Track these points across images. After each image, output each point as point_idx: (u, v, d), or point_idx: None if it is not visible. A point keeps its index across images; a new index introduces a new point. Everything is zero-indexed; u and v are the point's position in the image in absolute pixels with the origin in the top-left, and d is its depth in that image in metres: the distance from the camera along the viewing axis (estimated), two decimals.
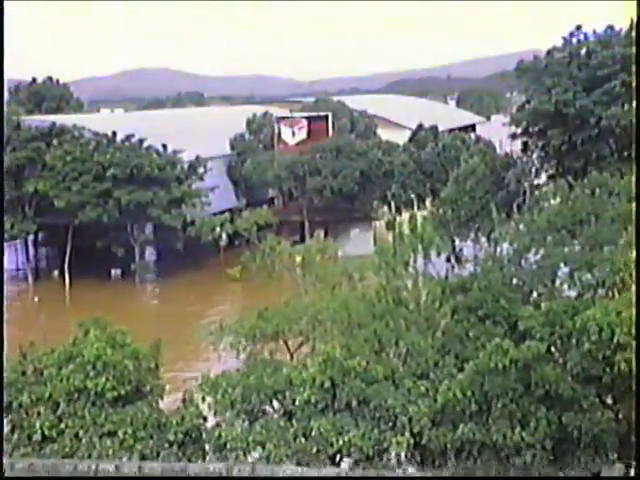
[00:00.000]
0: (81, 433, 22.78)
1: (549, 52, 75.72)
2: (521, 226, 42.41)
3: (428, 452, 22.56)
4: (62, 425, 22.97)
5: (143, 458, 21.82)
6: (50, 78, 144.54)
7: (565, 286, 33.34)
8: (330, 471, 18.51)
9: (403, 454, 22.61)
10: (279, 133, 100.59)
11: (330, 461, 22.01)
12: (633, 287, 22.37)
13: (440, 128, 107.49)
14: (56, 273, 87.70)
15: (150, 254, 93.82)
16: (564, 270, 34.17)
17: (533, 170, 74.21)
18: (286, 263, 54.36)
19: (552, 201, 54.09)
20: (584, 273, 32.83)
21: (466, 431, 21.79)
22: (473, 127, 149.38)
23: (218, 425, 23.58)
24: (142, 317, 71.19)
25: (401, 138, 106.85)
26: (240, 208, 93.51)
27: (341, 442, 21.96)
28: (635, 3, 17.00)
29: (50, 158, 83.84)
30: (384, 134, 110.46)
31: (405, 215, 76.83)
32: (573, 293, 32.14)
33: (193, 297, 76.72)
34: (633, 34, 72.04)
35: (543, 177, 75.55)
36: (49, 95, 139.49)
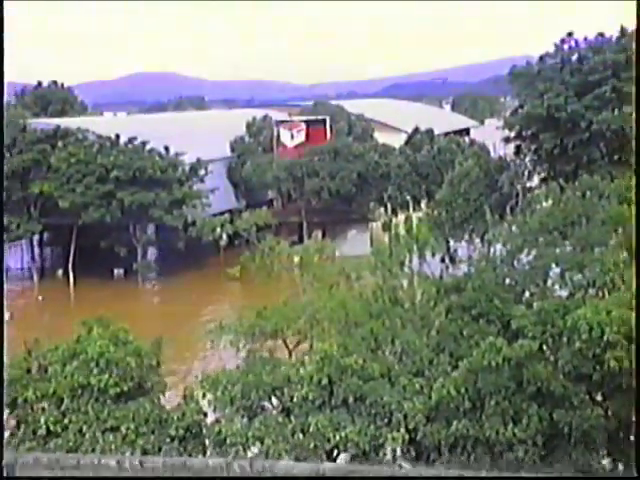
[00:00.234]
0: (84, 428, 22.80)
1: (541, 58, 75.90)
2: (514, 227, 42.45)
3: (423, 447, 22.58)
4: (66, 420, 22.99)
5: (145, 453, 21.84)
6: (55, 82, 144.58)
7: (556, 286, 33.36)
8: (328, 466, 18.52)
9: (398, 449, 22.62)
10: (278, 136, 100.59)
11: (327, 456, 22.03)
12: (633, 287, 22.32)
13: (435, 132, 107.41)
14: (60, 272, 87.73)
15: (152, 254, 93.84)
16: (555, 270, 34.18)
17: (526, 173, 74.34)
18: (285, 263, 54.46)
19: (544, 203, 54.12)
20: (575, 273, 32.85)
21: (460, 427, 21.81)
22: (467, 131, 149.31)
23: (218, 421, 23.58)
24: (144, 315, 71.14)
25: (397, 141, 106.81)
26: (240, 209, 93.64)
27: (338, 438, 21.97)
28: (635, 3, 16.75)
29: (55, 160, 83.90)
30: (381, 137, 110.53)
31: (401, 216, 76.91)
32: (564, 293, 32.15)
33: (194, 296, 76.73)
34: (623, 41, 72.20)
35: (535, 180, 75.63)
36: (54, 99, 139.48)
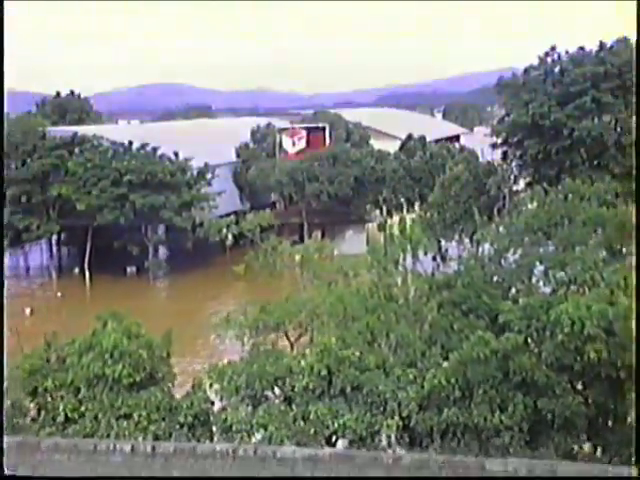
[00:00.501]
0: (100, 415, 22.83)
1: (526, 70, 75.95)
2: (501, 228, 42.48)
3: (416, 434, 22.59)
4: (83, 408, 23.03)
5: (156, 438, 21.86)
6: (72, 92, 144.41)
7: (541, 283, 33.36)
8: (327, 451, 18.54)
9: (393, 436, 22.63)
10: (280, 142, 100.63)
11: (327, 442, 22.06)
12: (633, 288, 22.30)
13: (427, 138, 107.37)
14: (77, 270, 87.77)
15: (162, 253, 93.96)
16: (540, 268, 34.19)
17: (512, 177, 74.35)
18: (286, 261, 54.40)
19: (529, 205, 54.15)
20: (558, 271, 32.85)
21: (450, 415, 21.84)
22: (458, 137, 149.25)
23: (224, 409, 23.59)
24: (155, 310, 71.14)
25: (392, 147, 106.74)
26: (244, 211, 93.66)
27: (336, 425, 22.00)
28: (635, 3, 16.60)
29: (72, 165, 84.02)
30: (377, 144, 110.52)
31: (395, 218, 77.00)
32: (548, 289, 32.15)
33: (202, 292, 76.73)
34: (602, 54, 72.27)
35: (521, 183, 75.64)
36: (71, 108, 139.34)
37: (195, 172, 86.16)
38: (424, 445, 22.29)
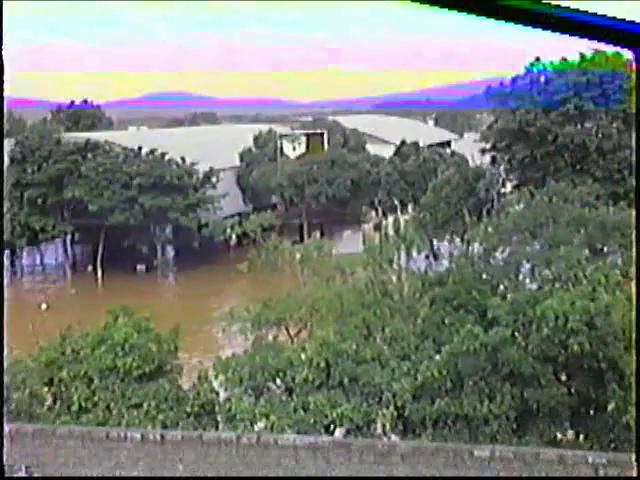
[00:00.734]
0: (112, 405, 22.84)
1: (513, 79, 75.93)
2: (490, 228, 42.40)
3: (409, 423, 22.60)
4: (96, 398, 23.04)
5: (165, 427, 21.87)
6: (85, 101, 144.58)
7: (527, 280, 33.37)
8: (326, 439, 18.56)
9: (388, 424, 22.64)
10: (282, 147, 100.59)
11: (325, 430, 22.06)
12: (633, 287, 22.30)
13: (420, 144, 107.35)
14: (90, 267, 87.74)
15: (170, 252, 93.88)
16: (526, 266, 34.20)
17: (500, 180, 74.26)
18: (287, 260, 54.24)
19: (516, 207, 54.13)
20: (543, 269, 32.88)
21: (442, 405, 21.85)
22: (449, 143, 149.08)
23: (229, 399, 23.59)
24: (163, 305, 71.14)
25: (387, 152, 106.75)
26: (248, 212, 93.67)
27: (335, 414, 21.99)
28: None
29: (85, 169, 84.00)
30: (372, 149, 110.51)
31: (390, 219, 76.92)
32: (534, 286, 32.14)
33: (207, 288, 76.72)
34: (584, 65, 72.30)
35: (509, 186, 75.56)
36: (84, 115, 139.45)
37: (201, 176, 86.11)
38: (417, 433, 22.31)
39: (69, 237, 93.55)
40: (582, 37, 3.60)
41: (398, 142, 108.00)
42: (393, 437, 22.54)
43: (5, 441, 18.35)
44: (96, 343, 23.76)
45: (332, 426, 22.29)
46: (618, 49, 72.03)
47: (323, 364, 22.80)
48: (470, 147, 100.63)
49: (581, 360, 21.82)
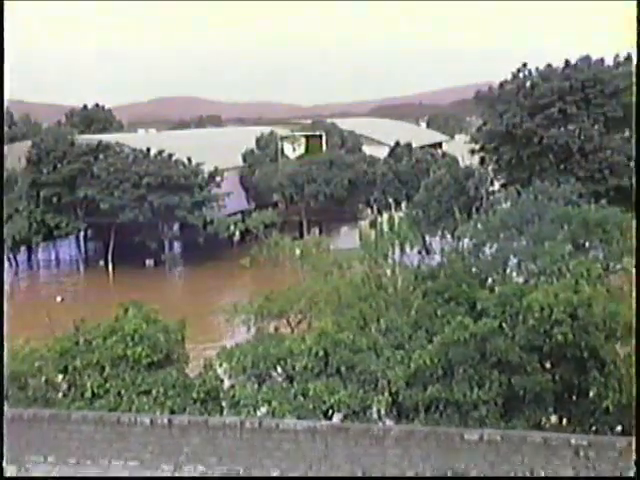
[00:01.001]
0: (122, 391, 22.84)
1: (501, 84, 76.06)
2: (479, 225, 42.50)
3: (403, 408, 22.63)
4: (107, 385, 23.05)
5: (172, 412, 21.89)
6: (97, 105, 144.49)
7: (514, 273, 33.46)
8: (324, 424, 18.59)
9: (383, 410, 22.67)
10: (282, 149, 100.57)
11: (324, 415, 22.09)
12: (633, 288, 22.36)
13: (413, 145, 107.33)
14: (101, 262, 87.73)
15: (177, 247, 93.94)
16: (513, 261, 34.31)
17: (488, 180, 74.34)
18: (288, 255, 54.18)
19: (504, 205, 54.25)
20: (529, 263, 32.98)
21: (434, 391, 21.88)
22: (440, 144, 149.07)
23: (233, 386, 23.62)
24: (171, 297, 71.19)
25: (382, 153, 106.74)
26: (250, 210, 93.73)
27: (333, 400, 22.01)
28: (635, 3, 16.29)
29: (97, 169, 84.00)
30: (368, 150, 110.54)
31: (385, 216, 76.68)
32: (521, 279, 32.26)
33: (212, 282, 76.73)
34: (567, 71, 72.38)
35: (496, 185, 75.68)
36: (96, 118, 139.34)
37: (206, 175, 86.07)
38: (411, 418, 22.34)
39: (82, 234, 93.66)
40: None
41: (392, 143, 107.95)
42: (388, 422, 22.58)
43: (22, 425, 18.39)
44: (108, 333, 23.78)
45: (330, 411, 22.32)
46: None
47: (322, 353, 22.83)
48: (460, 148, 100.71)
49: (564, 349, 21.87)
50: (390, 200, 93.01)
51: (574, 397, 22.68)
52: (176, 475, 17.53)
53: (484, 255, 36.15)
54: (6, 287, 69.82)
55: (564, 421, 22.82)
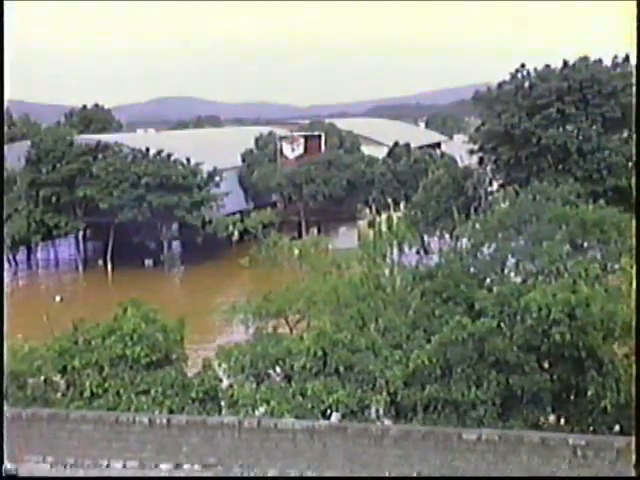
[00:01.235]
0: (121, 391, 22.84)
1: (499, 85, 75.99)
2: (477, 225, 42.43)
3: (401, 408, 22.62)
4: (106, 384, 23.04)
5: (171, 412, 21.89)
6: (96, 105, 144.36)
7: (512, 274, 33.42)
8: (322, 423, 18.59)
9: (381, 409, 22.67)
10: (281, 149, 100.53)
11: (322, 415, 22.09)
12: (633, 287, 22.38)
13: (412, 145, 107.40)
14: (100, 262, 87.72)
15: (176, 247, 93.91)
16: (511, 260, 34.27)
17: (487, 180, 74.41)
18: (286, 255, 54.19)
19: (502, 205, 54.24)
20: (527, 263, 32.96)
21: (432, 391, 21.88)
22: (439, 145, 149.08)
23: (231, 386, 23.62)
24: (170, 296, 71.17)
25: (380, 153, 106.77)
26: (249, 210, 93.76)
27: (331, 400, 22.00)
28: (635, 3, 16.20)
29: (96, 169, 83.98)
30: (367, 150, 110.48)
31: (383, 216, 76.69)
32: (519, 279, 32.22)
33: (211, 281, 76.76)
34: (565, 71, 72.38)
35: (495, 185, 75.69)
36: (95, 118, 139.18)
37: (205, 175, 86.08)
38: (409, 417, 22.34)
39: (81, 233, 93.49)
40: None
41: (391, 144, 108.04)
42: (386, 421, 22.57)
43: (21, 424, 18.39)
44: (106, 333, 23.77)
45: (328, 411, 22.30)
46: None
47: (320, 353, 22.83)
48: (459, 148, 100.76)
49: (562, 349, 21.87)
50: (389, 200, 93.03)
51: (572, 397, 22.69)
52: (175, 475, 17.52)
53: (482, 255, 36.08)
54: (5, 287, 69.79)
55: (562, 421, 22.83)
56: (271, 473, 17.26)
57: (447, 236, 64.55)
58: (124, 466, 17.77)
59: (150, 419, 18.11)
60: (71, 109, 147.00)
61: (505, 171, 74.95)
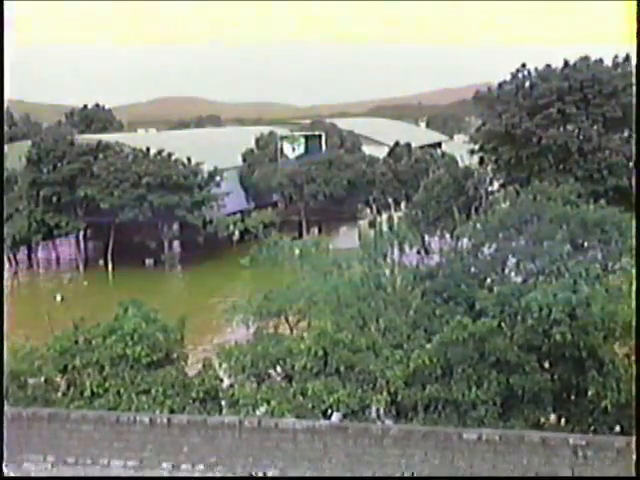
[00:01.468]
0: (122, 391, 22.86)
1: (500, 85, 75.90)
2: (478, 225, 42.38)
3: (402, 408, 22.63)
4: (107, 384, 23.06)
5: (172, 411, 21.89)
6: (97, 105, 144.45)
7: (513, 273, 33.41)
8: (323, 423, 18.58)
9: (382, 409, 22.67)
10: (282, 149, 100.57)
11: (323, 415, 22.09)
12: (633, 287, 22.37)
13: (413, 145, 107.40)
14: (101, 262, 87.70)
15: (177, 247, 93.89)
16: (512, 260, 34.24)
17: (487, 180, 74.27)
18: (287, 255, 54.13)
19: (503, 204, 54.18)
20: (528, 263, 32.94)
21: (433, 391, 21.89)
22: (439, 144, 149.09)
23: (232, 386, 23.62)
24: (170, 296, 71.18)
25: (381, 153, 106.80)
26: (249, 210, 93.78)
27: (332, 400, 22.01)
28: (635, 3, 16.19)
29: (97, 169, 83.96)
30: (367, 150, 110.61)
31: (384, 216, 76.95)
32: (519, 279, 32.21)
33: (211, 281, 76.74)
34: (566, 71, 72.33)
35: (495, 185, 75.60)
36: (96, 118, 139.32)
37: (206, 175, 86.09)
38: (409, 417, 22.35)
39: (82, 233, 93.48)
40: None
41: (392, 143, 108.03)
42: (387, 421, 22.57)
43: (22, 424, 18.38)
44: (107, 333, 23.78)
45: (329, 411, 22.32)
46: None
47: (321, 353, 22.83)
48: (459, 148, 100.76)
49: (563, 349, 21.87)
50: (389, 200, 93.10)
51: (572, 397, 22.70)
52: (175, 475, 17.51)
53: (483, 255, 36.06)
54: (6, 286, 69.79)
55: (562, 421, 22.84)
56: (271, 473, 17.24)
57: (448, 236, 64.42)
58: (124, 466, 17.76)
59: (151, 419, 18.10)
60: (72, 109, 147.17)
61: (506, 171, 74.86)
